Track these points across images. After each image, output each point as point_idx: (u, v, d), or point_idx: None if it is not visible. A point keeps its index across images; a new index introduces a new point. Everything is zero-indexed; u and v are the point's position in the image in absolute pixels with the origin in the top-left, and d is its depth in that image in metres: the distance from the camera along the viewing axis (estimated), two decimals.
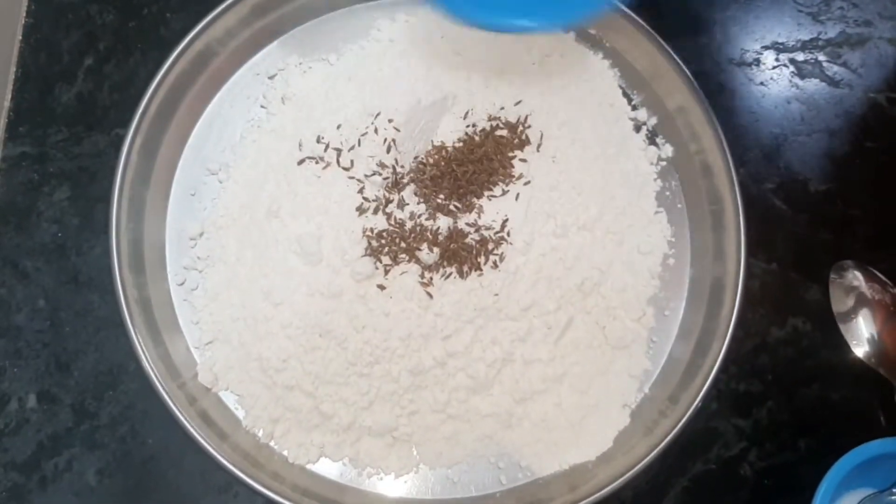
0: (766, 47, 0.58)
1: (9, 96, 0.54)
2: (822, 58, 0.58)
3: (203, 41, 0.52)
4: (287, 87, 0.54)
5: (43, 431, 0.48)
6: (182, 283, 0.50)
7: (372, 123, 0.50)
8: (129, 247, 0.49)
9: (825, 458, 0.46)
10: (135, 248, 0.49)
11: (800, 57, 0.58)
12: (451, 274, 0.47)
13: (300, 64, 0.54)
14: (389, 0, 0.56)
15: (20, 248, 0.51)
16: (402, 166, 0.49)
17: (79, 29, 0.55)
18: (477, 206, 0.49)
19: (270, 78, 0.54)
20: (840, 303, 0.52)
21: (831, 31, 0.59)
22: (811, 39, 0.59)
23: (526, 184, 0.49)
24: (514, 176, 0.49)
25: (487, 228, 0.48)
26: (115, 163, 0.49)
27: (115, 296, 0.47)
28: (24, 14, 0.55)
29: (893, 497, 0.46)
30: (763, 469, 0.50)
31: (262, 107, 0.54)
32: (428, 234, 0.48)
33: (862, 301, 0.52)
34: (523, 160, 0.50)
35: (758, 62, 0.58)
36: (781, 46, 0.58)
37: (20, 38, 0.55)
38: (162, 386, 0.46)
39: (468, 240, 0.48)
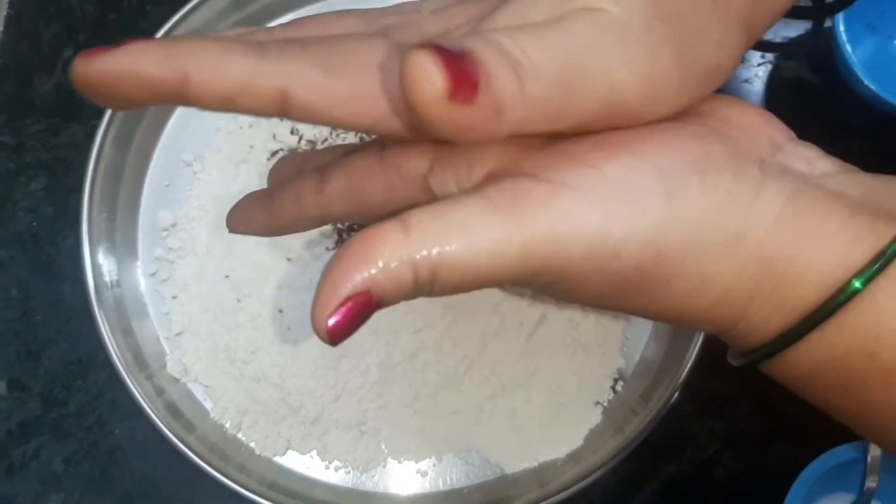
0: None
1: None
2: (809, 55, 0.57)
3: (181, 32, 0.52)
4: None
5: (12, 419, 0.49)
6: (153, 274, 0.50)
7: None
8: (101, 237, 0.49)
9: (801, 461, 0.45)
10: (107, 238, 0.49)
11: (786, 54, 0.57)
12: None
13: None
14: None
15: None
16: None
17: (59, 21, 0.55)
18: None
19: None
20: None
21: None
22: (798, 36, 0.57)
23: None
24: None
25: None
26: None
27: (85, 286, 0.47)
28: (7, 6, 0.56)
29: None
30: (737, 471, 0.50)
31: None
32: None
33: None
34: None
35: (742, 58, 0.57)
36: (767, 43, 0.57)
37: (1, 29, 0.55)
38: (128, 376, 0.46)
39: None
